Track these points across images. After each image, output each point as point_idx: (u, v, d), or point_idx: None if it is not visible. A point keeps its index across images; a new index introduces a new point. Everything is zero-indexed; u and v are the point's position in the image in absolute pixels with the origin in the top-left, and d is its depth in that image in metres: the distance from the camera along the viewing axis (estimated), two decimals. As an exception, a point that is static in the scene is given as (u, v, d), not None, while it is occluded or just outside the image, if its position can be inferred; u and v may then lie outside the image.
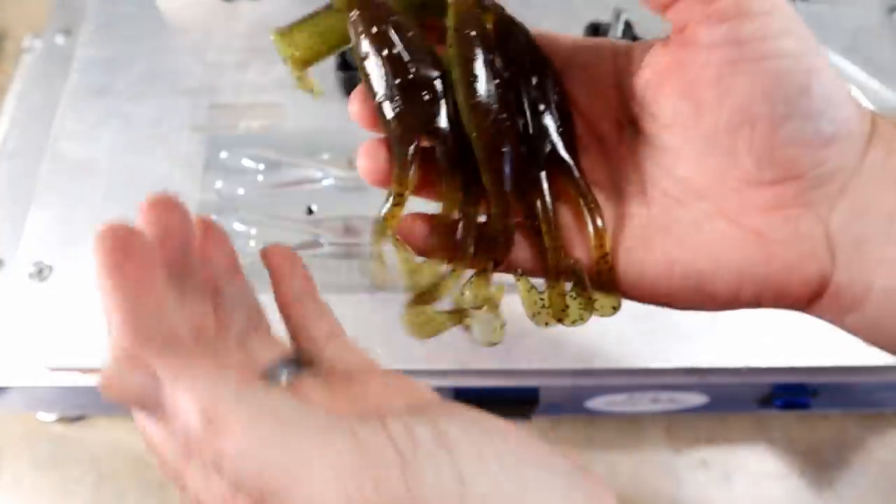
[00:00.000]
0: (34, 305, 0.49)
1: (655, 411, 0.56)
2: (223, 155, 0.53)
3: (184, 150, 0.54)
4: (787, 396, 0.51)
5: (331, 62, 0.56)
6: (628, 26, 0.55)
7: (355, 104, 0.24)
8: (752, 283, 0.24)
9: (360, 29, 0.24)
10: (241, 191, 0.51)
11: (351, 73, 0.54)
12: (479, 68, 0.23)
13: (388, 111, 0.23)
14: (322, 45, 0.26)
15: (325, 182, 0.51)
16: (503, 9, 0.24)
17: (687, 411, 0.56)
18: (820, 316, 0.24)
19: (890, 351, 0.23)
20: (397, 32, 0.23)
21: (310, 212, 0.50)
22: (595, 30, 0.57)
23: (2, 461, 0.59)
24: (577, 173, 0.24)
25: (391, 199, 0.24)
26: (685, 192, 0.24)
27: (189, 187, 0.52)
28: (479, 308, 0.25)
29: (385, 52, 0.23)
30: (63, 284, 0.49)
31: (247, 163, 0.52)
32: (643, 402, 0.53)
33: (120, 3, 0.62)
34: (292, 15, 0.64)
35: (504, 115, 0.23)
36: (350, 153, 0.52)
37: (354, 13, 0.24)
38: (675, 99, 0.22)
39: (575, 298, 0.25)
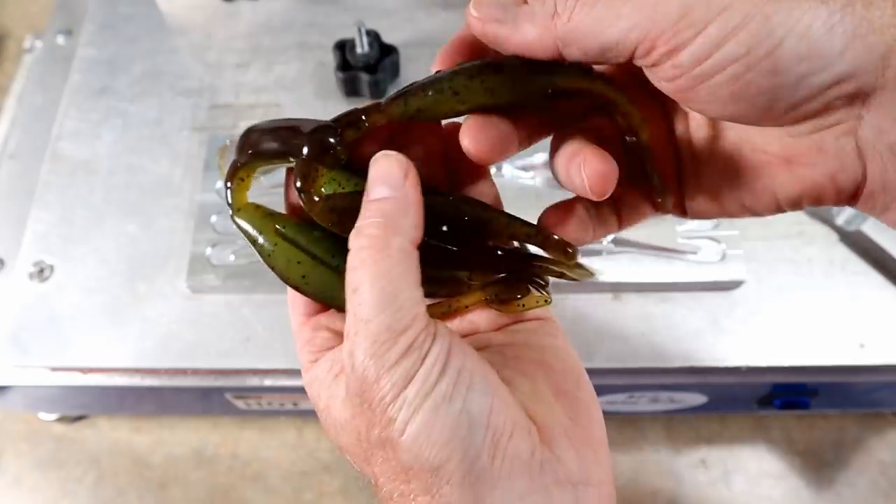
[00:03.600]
0: (34, 305, 0.49)
1: (655, 411, 0.56)
2: (223, 155, 0.53)
3: (184, 150, 0.54)
4: (786, 396, 0.51)
5: (331, 61, 0.56)
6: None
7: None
8: (788, 202, 0.25)
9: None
10: (241, 191, 0.51)
11: (351, 73, 0.54)
12: None
13: None
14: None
15: (326, 182, 0.51)
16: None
17: (687, 411, 0.56)
18: (861, 210, 0.24)
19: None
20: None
21: (310, 212, 0.50)
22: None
23: (3, 460, 0.59)
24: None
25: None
26: (719, 131, 0.26)
27: (189, 187, 0.52)
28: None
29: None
30: (63, 284, 0.49)
31: (247, 163, 0.52)
32: (643, 402, 0.54)
33: (120, 4, 0.62)
34: (292, 15, 0.64)
35: None
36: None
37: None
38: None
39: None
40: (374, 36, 0.54)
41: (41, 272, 0.50)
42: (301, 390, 0.50)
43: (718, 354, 0.46)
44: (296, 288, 0.26)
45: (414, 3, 0.61)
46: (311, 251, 0.26)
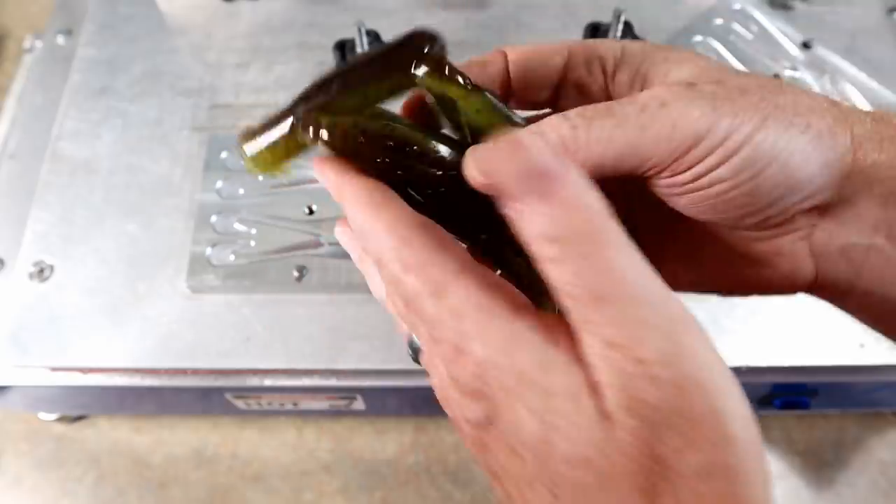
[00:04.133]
0: (34, 305, 0.49)
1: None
2: (223, 155, 0.53)
3: (184, 150, 0.54)
4: (786, 396, 0.51)
5: (331, 61, 0.56)
6: (628, 27, 0.55)
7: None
8: (742, 292, 0.27)
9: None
10: (241, 191, 0.51)
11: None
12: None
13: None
14: (285, 158, 0.25)
15: (326, 182, 0.51)
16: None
17: (686, 411, 0.56)
18: (819, 298, 0.27)
19: (879, 331, 0.27)
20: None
21: (310, 212, 0.50)
22: (595, 30, 0.57)
23: (3, 460, 0.59)
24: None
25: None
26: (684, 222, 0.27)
27: (189, 187, 0.52)
28: None
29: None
30: (63, 284, 0.49)
31: (247, 163, 0.53)
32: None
33: (120, 4, 0.62)
34: (292, 15, 0.64)
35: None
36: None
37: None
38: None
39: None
40: (374, 36, 0.54)
41: (41, 272, 0.50)
42: (301, 390, 0.50)
43: (718, 354, 0.46)
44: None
45: (414, 3, 0.61)
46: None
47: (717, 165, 0.22)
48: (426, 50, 0.24)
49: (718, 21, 0.60)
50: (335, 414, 0.57)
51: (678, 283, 0.27)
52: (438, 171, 0.23)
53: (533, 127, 0.22)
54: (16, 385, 0.50)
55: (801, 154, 0.22)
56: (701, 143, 0.21)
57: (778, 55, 0.58)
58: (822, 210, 0.24)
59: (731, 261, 0.26)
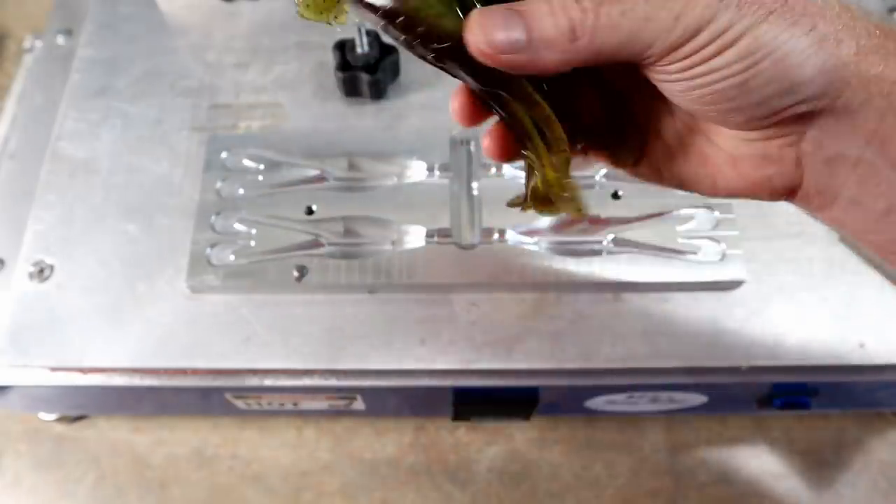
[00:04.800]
0: (34, 305, 0.49)
1: (655, 411, 0.56)
2: (223, 155, 0.53)
3: (184, 150, 0.54)
4: (786, 396, 0.51)
5: (331, 61, 0.56)
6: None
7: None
8: (725, 191, 0.28)
9: None
10: (241, 191, 0.51)
11: (351, 73, 0.54)
12: None
13: None
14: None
15: (325, 182, 0.51)
16: None
17: (687, 411, 0.56)
18: (797, 205, 0.28)
19: (856, 245, 0.28)
20: None
21: (310, 212, 0.50)
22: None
23: (2, 460, 0.59)
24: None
25: None
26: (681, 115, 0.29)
27: (189, 187, 0.52)
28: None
29: None
30: (63, 284, 0.49)
31: (247, 163, 0.52)
32: (643, 402, 0.54)
33: (120, 3, 0.62)
34: (292, 15, 0.64)
35: None
36: (350, 153, 0.52)
37: None
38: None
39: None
40: (373, 36, 0.54)
41: (41, 272, 0.50)
42: (301, 390, 0.50)
43: (718, 354, 0.46)
44: None
45: (414, 3, 0.61)
46: None
47: (714, 55, 0.22)
48: None
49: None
50: (335, 414, 0.57)
51: (662, 177, 0.30)
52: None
53: (538, 5, 0.23)
54: (15, 385, 0.50)
55: (799, 55, 0.22)
56: (701, 34, 0.22)
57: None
58: (816, 116, 0.24)
59: (716, 161, 0.27)
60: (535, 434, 0.59)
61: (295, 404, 0.54)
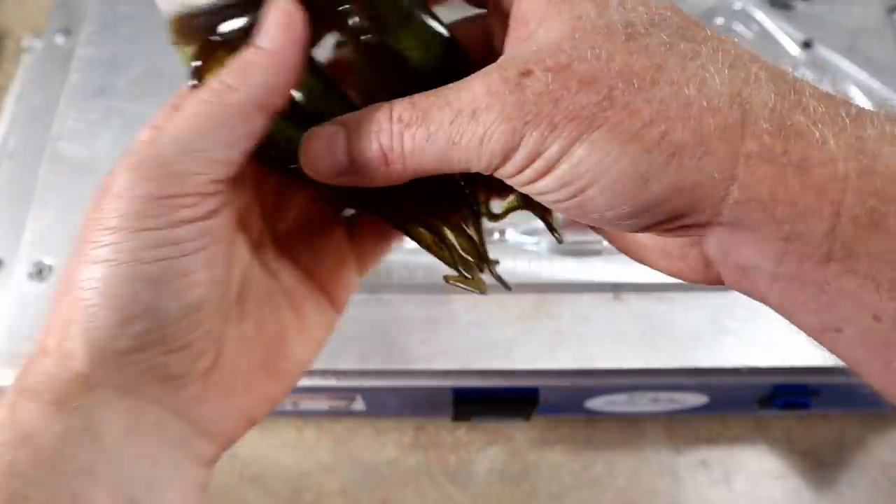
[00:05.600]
0: (34, 305, 0.49)
1: (655, 411, 0.56)
2: (223, 155, 0.53)
3: (184, 150, 0.54)
4: (787, 397, 0.51)
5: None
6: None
7: None
8: (667, 272, 0.25)
9: None
10: (240, 191, 0.51)
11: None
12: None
13: None
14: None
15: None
16: None
17: (687, 411, 0.56)
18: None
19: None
20: None
21: (310, 212, 0.50)
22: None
23: (2, 461, 0.59)
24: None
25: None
26: None
27: (189, 187, 0.52)
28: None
29: None
30: (63, 284, 0.49)
31: (247, 163, 0.52)
32: (643, 402, 0.53)
33: (120, 3, 0.62)
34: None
35: None
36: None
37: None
38: None
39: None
40: (373, 35, 0.54)
41: (40, 272, 0.50)
42: (301, 390, 0.50)
43: (719, 355, 0.46)
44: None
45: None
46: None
47: (534, 180, 0.19)
48: None
49: (719, 21, 0.60)
50: (335, 414, 0.57)
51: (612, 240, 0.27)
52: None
53: (356, 126, 0.21)
54: (15, 385, 0.50)
55: (637, 178, 0.18)
56: (510, 159, 0.19)
57: (778, 55, 0.58)
58: (703, 227, 0.19)
59: (634, 245, 0.25)
60: (535, 434, 0.59)
61: (295, 404, 0.54)
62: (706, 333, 0.47)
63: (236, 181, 0.22)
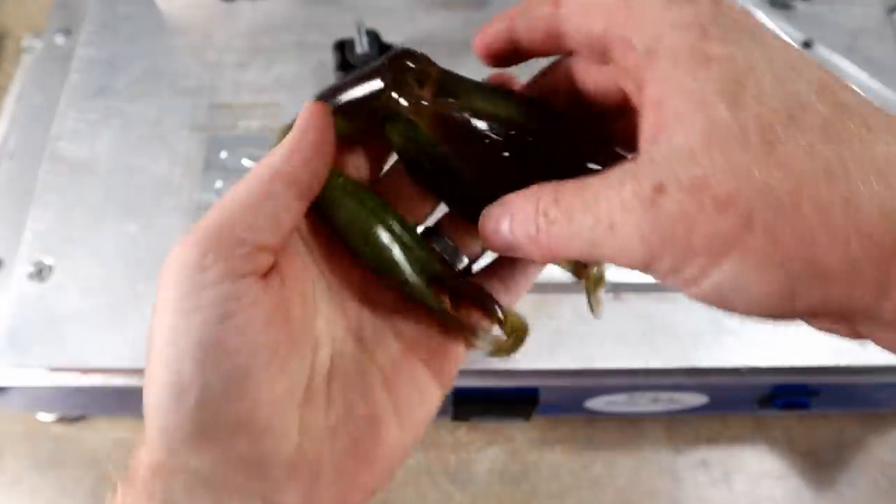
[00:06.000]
0: (34, 305, 0.49)
1: (655, 411, 0.56)
2: (223, 155, 0.53)
3: (184, 150, 0.54)
4: (787, 397, 0.51)
5: (330, 61, 0.56)
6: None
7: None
8: None
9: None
10: (240, 191, 0.51)
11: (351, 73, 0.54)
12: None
13: None
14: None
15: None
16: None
17: (687, 411, 0.56)
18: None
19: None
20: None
21: (310, 212, 0.50)
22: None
23: (2, 461, 0.59)
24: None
25: None
26: None
27: (189, 187, 0.52)
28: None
29: None
30: (62, 284, 0.49)
31: (247, 163, 0.52)
32: (643, 402, 0.53)
33: (120, 3, 0.62)
34: (292, 15, 0.64)
35: None
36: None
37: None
38: None
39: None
40: (373, 36, 0.54)
41: (40, 272, 0.50)
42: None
43: (719, 355, 0.46)
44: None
45: (414, 3, 0.61)
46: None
47: (682, 289, 0.19)
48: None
49: (719, 20, 0.60)
50: (335, 414, 0.57)
51: None
52: None
53: (502, 214, 0.23)
54: (15, 386, 0.50)
55: (780, 298, 0.18)
56: (651, 270, 0.19)
57: (778, 55, 0.58)
58: (858, 324, 0.18)
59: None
60: (535, 434, 0.59)
61: (295, 404, 0.54)
62: (706, 333, 0.47)
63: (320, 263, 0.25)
